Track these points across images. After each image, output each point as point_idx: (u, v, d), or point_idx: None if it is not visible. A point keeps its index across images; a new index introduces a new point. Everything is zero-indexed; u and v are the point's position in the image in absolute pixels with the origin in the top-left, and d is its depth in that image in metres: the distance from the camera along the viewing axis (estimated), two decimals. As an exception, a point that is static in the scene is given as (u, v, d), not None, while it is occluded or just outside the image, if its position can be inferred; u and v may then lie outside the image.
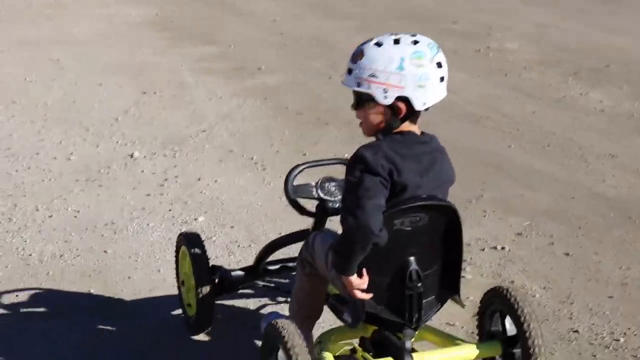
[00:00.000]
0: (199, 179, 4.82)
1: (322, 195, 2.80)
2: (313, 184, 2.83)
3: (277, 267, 3.16)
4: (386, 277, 2.25)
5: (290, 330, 2.24)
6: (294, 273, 2.98)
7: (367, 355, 2.38)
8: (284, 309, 3.08)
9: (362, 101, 2.25)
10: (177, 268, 3.26)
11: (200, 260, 3.00)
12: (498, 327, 2.56)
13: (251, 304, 3.39)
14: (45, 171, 4.96)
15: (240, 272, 3.13)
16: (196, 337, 3.09)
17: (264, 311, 3.26)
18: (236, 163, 5.14)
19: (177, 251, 3.22)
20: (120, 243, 3.95)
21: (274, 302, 3.37)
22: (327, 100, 6.45)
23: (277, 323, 2.30)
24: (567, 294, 3.41)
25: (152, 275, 3.61)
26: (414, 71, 2.16)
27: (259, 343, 2.86)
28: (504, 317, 2.52)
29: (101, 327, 3.24)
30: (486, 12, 9.23)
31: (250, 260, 3.41)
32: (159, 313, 3.36)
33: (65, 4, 10.27)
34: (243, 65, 7.49)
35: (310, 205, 2.83)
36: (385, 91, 2.16)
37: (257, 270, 3.11)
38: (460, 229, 2.25)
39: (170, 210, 4.37)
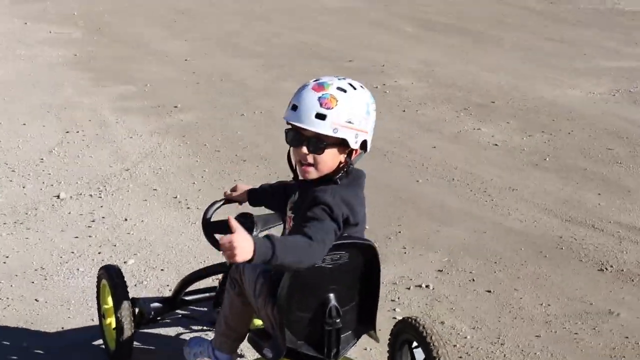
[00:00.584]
0: (125, 220, 4.80)
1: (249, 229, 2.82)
2: (246, 215, 2.83)
3: (194, 297, 3.19)
4: (307, 313, 2.29)
5: None
6: (215, 301, 3.07)
7: None
8: (205, 336, 3.09)
9: (326, 146, 2.24)
10: (98, 301, 3.24)
11: (120, 292, 2.98)
12: (407, 358, 2.69)
13: (172, 332, 3.39)
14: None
15: (159, 304, 3.14)
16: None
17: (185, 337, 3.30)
18: (160, 202, 5.15)
19: (98, 285, 3.21)
20: (51, 290, 3.86)
21: (191, 331, 3.35)
22: (242, 138, 6.52)
23: None
24: (497, 334, 3.41)
25: (87, 324, 3.48)
26: (373, 115, 2.31)
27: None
28: (411, 348, 2.62)
29: None
30: (377, 50, 9.39)
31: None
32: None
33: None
34: (160, 103, 7.49)
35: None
36: (356, 136, 2.24)
37: (175, 301, 3.16)
38: (378, 267, 2.33)
39: (99, 253, 4.32)
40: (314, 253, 2.11)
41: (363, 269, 2.32)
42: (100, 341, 3.31)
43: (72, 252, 4.34)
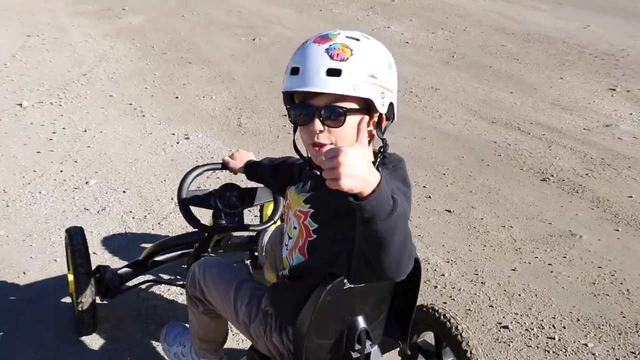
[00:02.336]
0: (85, 130, 4.85)
1: (220, 206, 2.49)
2: (212, 191, 2.51)
3: (165, 257, 2.91)
4: (329, 340, 1.90)
5: None
6: (183, 266, 2.98)
7: None
8: (176, 301, 3.03)
9: (347, 112, 1.67)
10: (68, 265, 2.97)
11: (81, 262, 2.72)
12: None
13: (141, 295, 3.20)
14: None
15: (128, 269, 2.89)
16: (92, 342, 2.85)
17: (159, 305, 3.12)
18: (117, 109, 5.23)
19: (67, 248, 2.94)
20: (13, 220, 3.76)
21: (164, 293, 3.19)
22: (185, 39, 6.81)
23: None
24: (474, 270, 3.37)
25: (48, 268, 3.33)
26: (395, 71, 1.78)
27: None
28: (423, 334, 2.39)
29: None
30: None
31: (144, 232, 3.56)
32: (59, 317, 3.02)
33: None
34: (109, 6, 7.85)
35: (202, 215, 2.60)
36: (382, 95, 1.70)
37: (145, 265, 2.91)
38: (419, 279, 1.89)
39: (61, 171, 4.30)
40: (412, 251, 1.53)
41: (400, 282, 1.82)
42: (62, 292, 3.14)
43: (35, 171, 4.31)
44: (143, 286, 3.02)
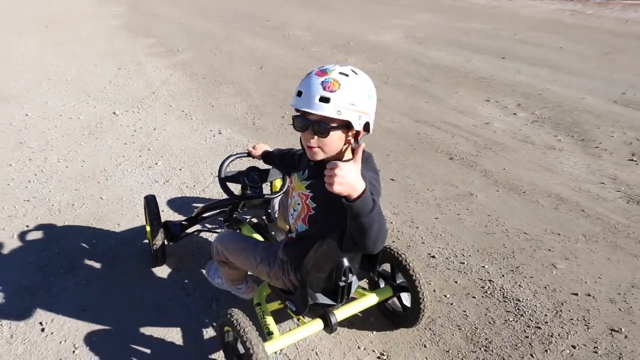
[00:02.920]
0: (154, 129, 4.87)
1: (246, 181, 2.54)
2: (240, 171, 2.58)
3: (207, 214, 2.95)
4: (323, 274, 1.96)
5: (242, 323, 1.99)
6: (220, 218, 2.97)
7: (297, 316, 2.18)
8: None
9: (331, 128, 1.72)
10: (145, 219, 3.03)
11: (154, 219, 2.80)
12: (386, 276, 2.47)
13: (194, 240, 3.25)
14: (64, 128, 4.93)
15: (185, 222, 2.94)
16: (160, 270, 2.94)
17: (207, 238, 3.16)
18: (174, 115, 5.25)
19: (145, 209, 2.99)
20: (110, 189, 3.79)
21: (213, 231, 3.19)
22: (217, 69, 6.94)
23: (230, 316, 2.02)
24: (411, 219, 3.41)
25: (134, 221, 3.40)
26: (374, 98, 1.78)
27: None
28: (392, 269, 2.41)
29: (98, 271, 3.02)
30: (281, 14, 10.84)
31: (194, 196, 3.62)
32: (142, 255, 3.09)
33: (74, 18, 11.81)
34: (170, 48, 8.04)
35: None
36: (359, 118, 1.72)
37: (196, 219, 2.94)
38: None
39: (140, 156, 4.32)
40: (386, 236, 1.62)
41: None
42: (142, 237, 3.21)
43: (123, 156, 4.32)
44: (195, 234, 3.04)
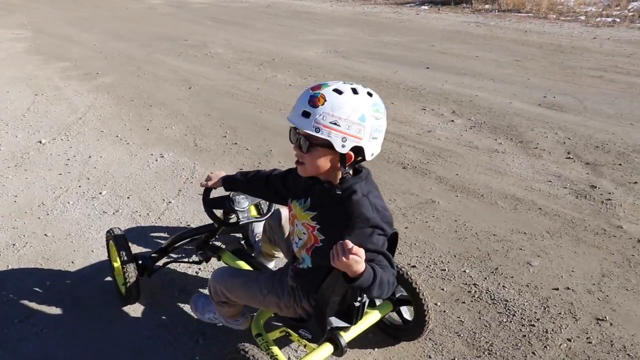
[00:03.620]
0: (90, 157, 4.54)
1: (233, 206, 2.39)
2: (225, 196, 2.41)
3: (182, 243, 2.73)
4: (338, 297, 1.86)
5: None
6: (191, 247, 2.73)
7: (302, 340, 2.05)
8: (187, 273, 2.84)
9: (312, 145, 1.62)
10: (109, 258, 2.81)
11: (125, 252, 2.59)
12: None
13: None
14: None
15: (156, 254, 2.72)
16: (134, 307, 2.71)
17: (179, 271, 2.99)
18: (108, 140, 4.91)
19: (107, 244, 2.78)
20: (54, 224, 3.47)
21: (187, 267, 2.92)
22: (144, 90, 6.59)
23: (244, 352, 1.91)
24: None
25: (89, 258, 3.14)
26: (372, 123, 1.60)
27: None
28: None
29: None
30: (198, 34, 10.46)
31: (150, 225, 3.40)
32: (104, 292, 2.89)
33: None
34: (87, 72, 7.52)
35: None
36: (344, 140, 1.58)
37: (167, 250, 2.73)
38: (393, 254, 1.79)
39: (80, 186, 3.99)
40: (392, 288, 1.66)
41: None
42: (104, 275, 2.95)
43: (61, 188, 3.97)
44: (165, 266, 2.85)
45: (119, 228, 2.71)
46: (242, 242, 2.80)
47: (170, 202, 3.76)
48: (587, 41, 9.27)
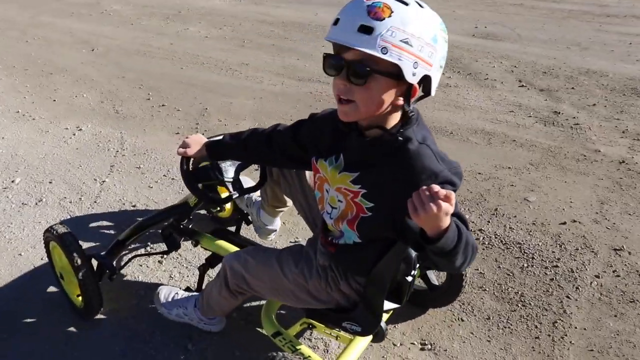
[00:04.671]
0: None
1: (220, 177, 1.87)
2: (207, 165, 1.87)
3: (148, 231, 2.18)
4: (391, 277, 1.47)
5: None
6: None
7: (333, 330, 1.70)
8: (148, 265, 2.28)
9: (372, 74, 1.18)
10: (51, 264, 2.19)
11: (78, 254, 1.96)
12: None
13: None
14: None
15: (113, 250, 2.13)
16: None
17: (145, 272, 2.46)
18: (8, 118, 4.09)
19: (47, 247, 2.16)
20: None
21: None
22: (38, 57, 5.65)
23: None
24: None
25: (17, 264, 2.49)
26: (442, 47, 1.22)
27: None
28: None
29: None
30: None
31: (86, 213, 2.77)
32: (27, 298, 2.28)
33: None
34: None
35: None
36: (415, 66, 1.17)
37: (124, 244, 2.13)
38: None
39: None
40: (474, 256, 1.24)
41: None
42: (44, 283, 2.33)
43: None
44: (132, 261, 2.28)
45: (61, 224, 2.09)
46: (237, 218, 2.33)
47: (104, 181, 3.14)
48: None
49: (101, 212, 2.88)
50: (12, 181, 3.21)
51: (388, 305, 1.52)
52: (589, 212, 2.67)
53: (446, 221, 1.10)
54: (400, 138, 1.25)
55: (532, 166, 3.09)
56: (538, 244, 2.46)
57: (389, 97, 1.21)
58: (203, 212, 2.57)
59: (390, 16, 1.13)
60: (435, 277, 2.07)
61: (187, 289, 2.11)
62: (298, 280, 1.55)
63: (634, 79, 4.12)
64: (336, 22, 1.19)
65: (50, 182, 3.18)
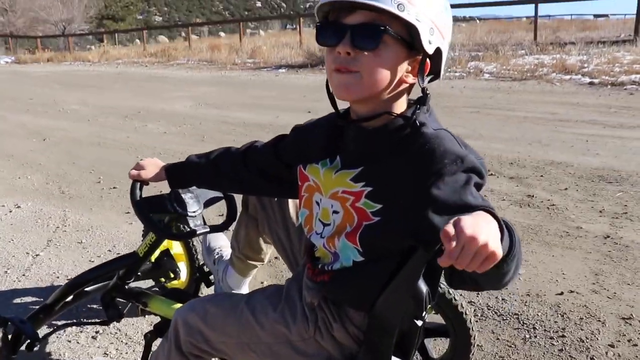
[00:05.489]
0: None
1: (179, 210, 1.55)
2: (164, 195, 1.58)
3: (72, 297, 1.77)
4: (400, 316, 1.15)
5: None
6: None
7: None
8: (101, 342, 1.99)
9: (383, 37, 0.97)
10: None
11: None
12: None
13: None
14: None
15: (38, 316, 1.75)
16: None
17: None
18: None
19: None
20: None
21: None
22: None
23: None
24: None
25: None
26: (451, 23, 1.06)
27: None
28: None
29: None
30: (46, 95, 10.21)
31: (10, 288, 2.36)
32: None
33: None
34: None
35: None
36: (431, 32, 0.99)
37: (53, 307, 1.76)
38: None
39: None
40: (521, 262, 0.93)
41: None
42: None
43: None
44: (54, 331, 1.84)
45: None
46: (173, 272, 1.94)
47: (37, 254, 2.74)
48: (447, 89, 9.72)
49: (29, 288, 2.45)
50: None
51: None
52: (585, 283, 2.44)
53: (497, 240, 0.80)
54: (417, 122, 1.03)
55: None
56: (537, 314, 2.18)
57: (399, 69, 1.01)
58: (147, 283, 2.16)
59: None
60: (431, 348, 1.72)
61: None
62: (277, 329, 1.20)
63: (599, 169, 4.14)
64: None
65: None
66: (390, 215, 1.05)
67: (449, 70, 12.24)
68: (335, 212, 1.12)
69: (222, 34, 37.26)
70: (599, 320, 2.14)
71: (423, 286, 1.10)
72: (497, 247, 0.77)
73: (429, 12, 0.98)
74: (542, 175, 4.12)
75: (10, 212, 3.46)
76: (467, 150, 1.02)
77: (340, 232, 1.11)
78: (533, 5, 13.48)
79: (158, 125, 6.38)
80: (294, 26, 26.89)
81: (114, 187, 3.95)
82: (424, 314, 1.13)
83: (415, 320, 1.15)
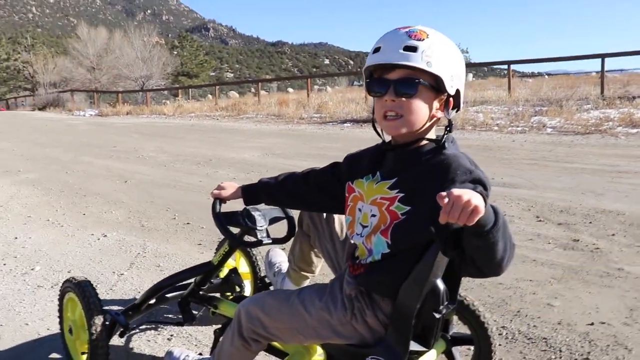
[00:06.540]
0: (15, 238, 3.96)
1: (249, 224, 1.91)
2: (238, 212, 1.94)
3: (160, 295, 2.16)
4: (419, 302, 1.42)
5: None
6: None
7: None
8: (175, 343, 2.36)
9: (418, 84, 1.37)
10: (60, 320, 2.20)
11: (94, 306, 1.99)
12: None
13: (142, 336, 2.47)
14: None
15: (128, 312, 2.16)
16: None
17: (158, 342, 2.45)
18: (38, 224, 4.36)
19: (62, 300, 2.19)
20: None
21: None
22: (75, 184, 6.16)
23: None
24: None
25: (22, 330, 2.52)
26: (464, 64, 1.46)
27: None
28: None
29: None
30: (127, 143, 10.50)
31: (103, 299, 2.75)
32: None
33: None
34: (8, 170, 7.20)
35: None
36: (452, 78, 1.39)
37: (141, 307, 2.17)
38: None
39: (5, 264, 3.40)
40: (514, 250, 1.27)
41: None
42: (44, 350, 2.32)
43: None
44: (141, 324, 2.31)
45: (82, 276, 2.12)
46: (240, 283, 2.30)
47: (122, 274, 3.19)
48: (509, 142, 9.87)
49: (116, 298, 2.89)
50: (32, 269, 3.32)
51: (414, 346, 1.46)
52: (617, 317, 2.59)
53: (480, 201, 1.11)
54: (445, 143, 1.42)
55: (554, 279, 3.07)
56: (565, 340, 2.37)
57: (428, 109, 1.40)
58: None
59: (428, 37, 1.37)
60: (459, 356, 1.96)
61: (200, 355, 2.05)
62: (321, 315, 1.52)
63: (651, 217, 4.20)
64: (377, 50, 1.40)
65: (68, 272, 3.26)
66: (415, 214, 1.39)
67: (511, 124, 12.37)
68: (373, 215, 1.47)
69: (290, 89, 38.85)
70: (626, 348, 2.30)
71: (441, 285, 1.41)
72: (479, 204, 1.08)
73: (449, 64, 1.38)
74: (590, 222, 4.24)
75: (99, 239, 3.96)
76: (476, 168, 1.36)
77: (376, 231, 1.46)
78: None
79: (228, 172, 6.92)
80: (360, 83, 27.77)
81: (188, 223, 4.42)
82: (441, 308, 1.43)
83: (435, 314, 1.44)
